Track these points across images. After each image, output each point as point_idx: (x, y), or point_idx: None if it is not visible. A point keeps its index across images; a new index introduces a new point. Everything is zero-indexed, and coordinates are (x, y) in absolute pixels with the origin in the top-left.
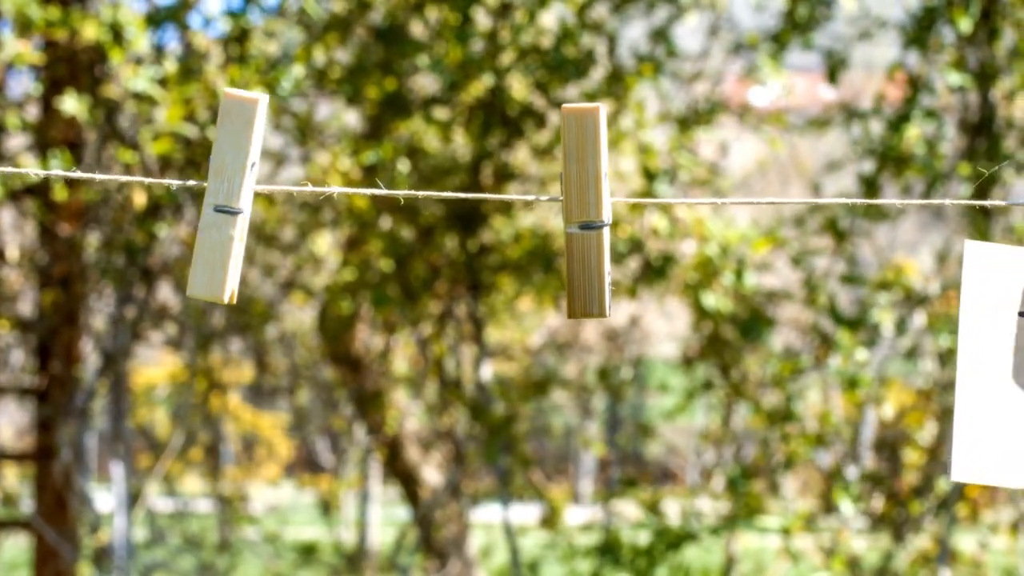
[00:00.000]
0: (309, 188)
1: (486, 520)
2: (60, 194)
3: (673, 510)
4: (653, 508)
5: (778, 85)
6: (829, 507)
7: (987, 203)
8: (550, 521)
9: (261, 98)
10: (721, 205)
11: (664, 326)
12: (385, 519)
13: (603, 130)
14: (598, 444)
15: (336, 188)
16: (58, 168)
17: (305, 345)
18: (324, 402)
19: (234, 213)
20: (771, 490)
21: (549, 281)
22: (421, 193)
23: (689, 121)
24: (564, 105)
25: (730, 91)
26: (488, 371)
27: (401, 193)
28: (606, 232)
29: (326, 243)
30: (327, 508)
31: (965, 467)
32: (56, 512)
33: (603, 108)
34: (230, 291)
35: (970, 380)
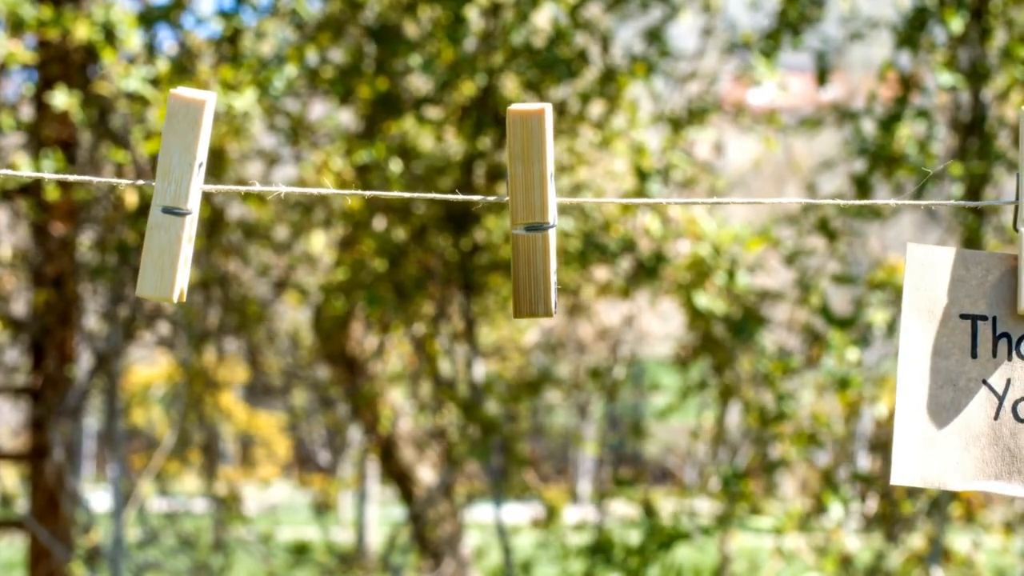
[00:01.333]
0: (257, 188)
1: (485, 520)
2: (52, 194)
3: (667, 510)
4: (647, 508)
5: (773, 85)
6: (821, 507)
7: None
8: (549, 521)
9: (208, 99)
10: (714, 205)
11: (664, 326)
12: (383, 519)
13: (548, 132)
14: (591, 443)
15: (285, 188)
16: (51, 168)
17: (300, 344)
18: (319, 402)
19: (182, 214)
20: (766, 490)
21: None
22: (368, 192)
23: (683, 121)
24: (509, 107)
25: (729, 91)
26: (480, 371)
27: (347, 192)
28: (552, 233)
29: (321, 242)
30: (320, 508)
31: (906, 470)
32: (49, 512)
33: (549, 109)
34: (179, 291)
35: (911, 382)
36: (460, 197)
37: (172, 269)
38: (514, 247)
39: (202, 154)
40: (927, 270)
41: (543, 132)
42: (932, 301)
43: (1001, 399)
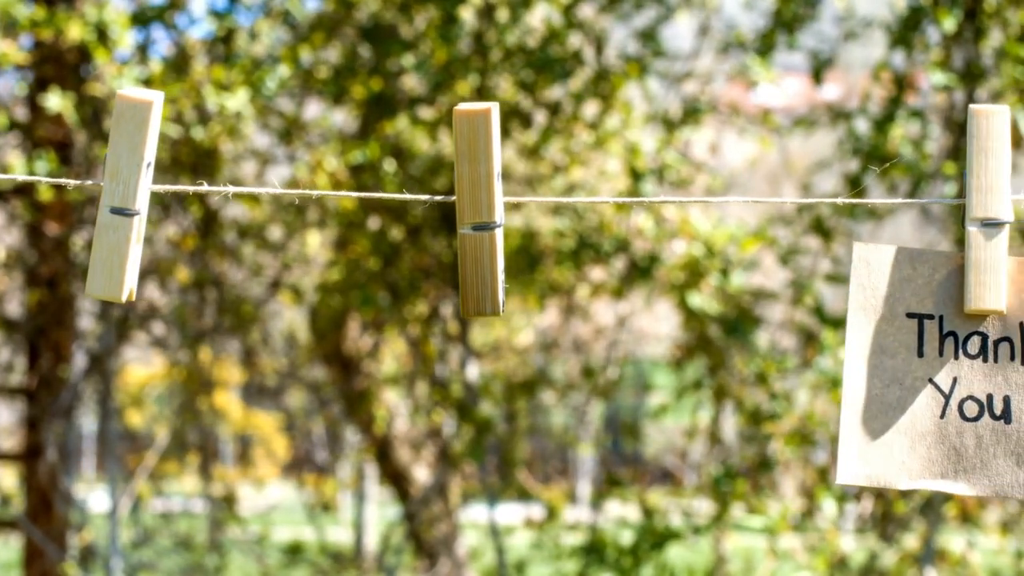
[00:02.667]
0: (204, 188)
1: (482, 520)
2: (46, 195)
3: (664, 510)
4: (645, 508)
5: (770, 85)
6: (814, 507)
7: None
8: (549, 521)
9: (155, 99)
10: (708, 205)
11: (662, 326)
12: (382, 519)
13: (495, 131)
14: (585, 444)
15: (233, 188)
16: (44, 168)
17: (296, 344)
18: (316, 402)
19: (130, 215)
20: (756, 490)
21: (534, 280)
22: (316, 192)
23: (677, 121)
24: (456, 107)
25: (728, 92)
26: (474, 371)
27: (295, 192)
28: (499, 233)
29: (316, 242)
30: (315, 508)
31: (851, 469)
32: (42, 512)
33: (495, 109)
34: (128, 291)
35: (857, 381)
36: (408, 197)
37: (121, 269)
38: (461, 246)
39: (150, 154)
40: (873, 269)
41: (489, 132)
42: (878, 300)
43: (947, 398)
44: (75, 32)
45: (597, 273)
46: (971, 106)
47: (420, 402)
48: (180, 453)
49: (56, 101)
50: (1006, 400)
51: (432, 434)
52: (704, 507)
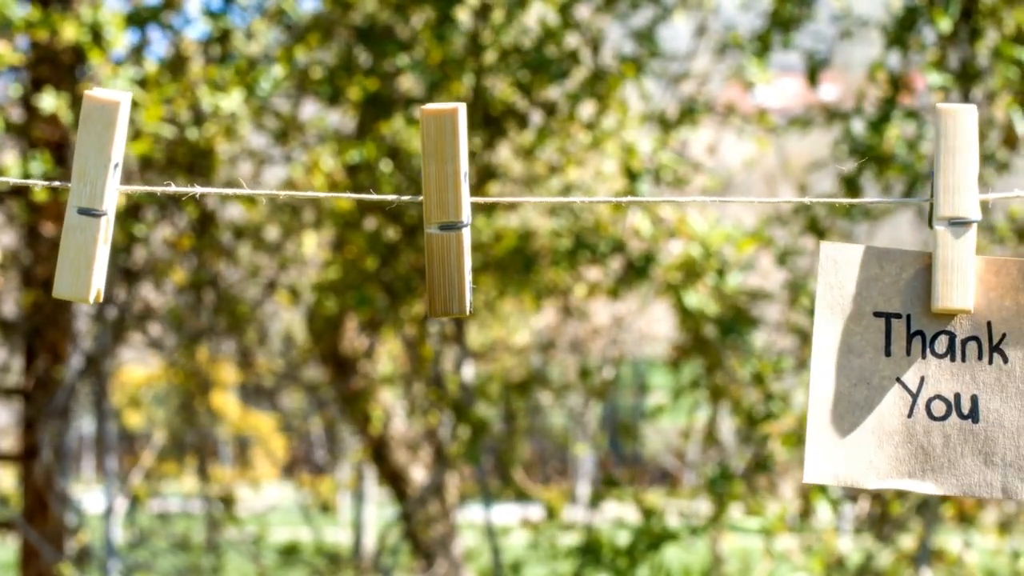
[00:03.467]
0: (172, 189)
1: (481, 521)
2: (40, 195)
3: (660, 510)
4: (644, 509)
5: (767, 85)
6: (808, 508)
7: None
8: (549, 522)
9: (122, 99)
10: (705, 205)
11: (662, 327)
12: (381, 520)
13: (462, 131)
14: (581, 444)
15: (201, 189)
16: (38, 169)
17: (293, 345)
18: (313, 403)
19: (97, 215)
20: (753, 491)
21: (530, 280)
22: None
23: (673, 121)
24: (423, 107)
25: (727, 93)
26: (470, 371)
27: (249, 192)
28: (466, 232)
29: (312, 243)
30: (310, 509)
31: (819, 468)
32: (38, 512)
33: (462, 109)
34: (95, 291)
35: (824, 380)
36: (375, 197)
37: (88, 270)
38: (428, 246)
39: (117, 155)
40: (841, 268)
41: (456, 131)
42: (846, 299)
43: (915, 397)
44: (70, 33)
45: (593, 273)
46: (938, 105)
47: (417, 402)
48: (178, 454)
49: (50, 102)
50: (974, 399)
51: (429, 435)
52: (703, 508)
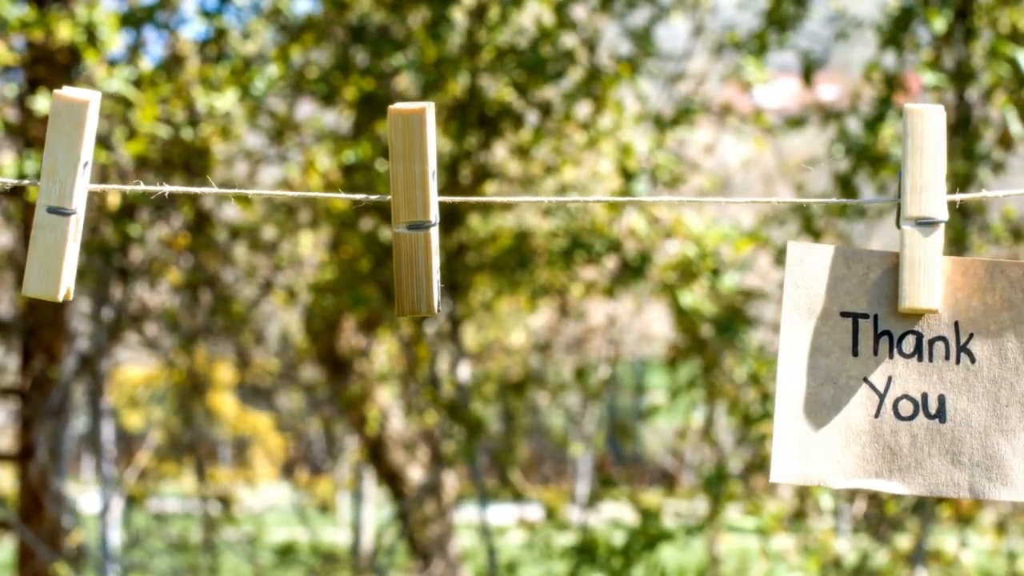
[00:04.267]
0: (141, 188)
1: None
2: (34, 195)
3: (656, 510)
4: (642, 509)
5: (764, 85)
6: (804, 508)
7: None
8: (549, 522)
9: (91, 99)
10: (701, 205)
11: (662, 327)
12: (380, 520)
13: (430, 130)
14: (577, 444)
15: (169, 187)
16: (33, 169)
17: (290, 345)
18: (311, 403)
19: (67, 214)
20: (750, 491)
21: (525, 279)
22: (244, 191)
23: (670, 121)
24: (391, 106)
25: (720, 92)
26: (466, 371)
27: (231, 192)
28: (434, 232)
29: (309, 243)
30: (306, 509)
31: (786, 467)
32: (34, 512)
33: (430, 108)
34: (64, 290)
35: (791, 380)
36: (342, 196)
37: (58, 269)
38: (396, 246)
39: (87, 154)
40: (807, 268)
41: (424, 131)
42: (812, 299)
43: (882, 397)
44: (64, 33)
45: (589, 273)
46: (906, 105)
47: (413, 402)
48: (177, 454)
49: (45, 103)
50: (941, 399)
51: (426, 435)
52: (701, 508)
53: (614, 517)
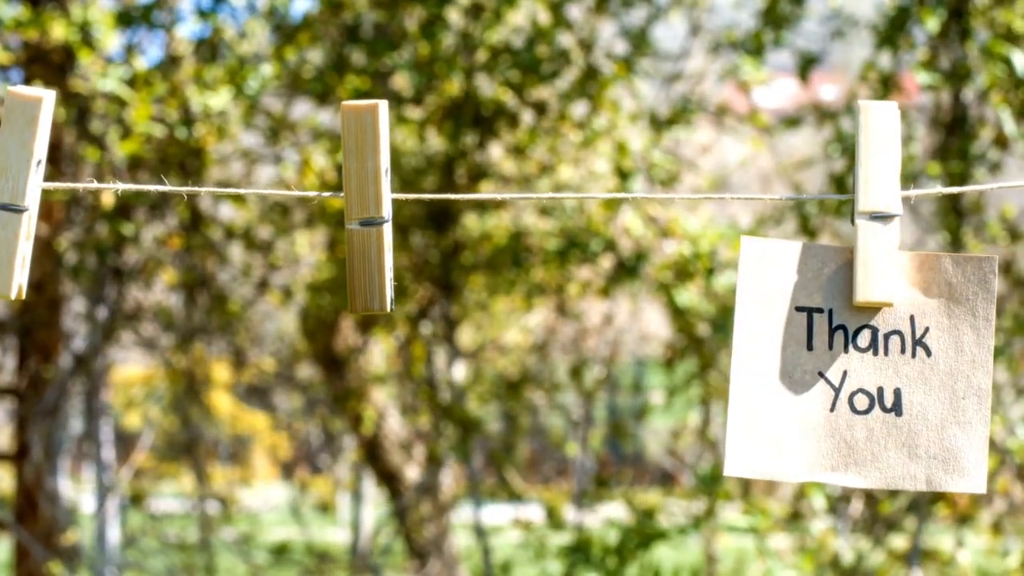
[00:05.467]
0: (95, 186)
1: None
2: None
3: (652, 509)
4: (632, 508)
5: (761, 84)
6: (799, 507)
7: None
8: (549, 522)
9: (46, 96)
10: (697, 205)
11: (662, 327)
12: (379, 520)
13: (383, 127)
14: (572, 444)
15: (119, 185)
16: None
17: (289, 344)
18: (308, 402)
19: (19, 211)
20: (747, 490)
21: (520, 278)
22: (202, 190)
23: (665, 121)
24: (343, 103)
25: (724, 93)
26: (460, 371)
27: (182, 190)
28: (386, 228)
29: (306, 242)
30: (301, 508)
31: (739, 461)
32: (30, 512)
33: (383, 105)
34: (16, 288)
35: (744, 374)
36: (295, 193)
37: (10, 266)
38: (349, 242)
39: (40, 151)
40: (762, 263)
41: (377, 128)
42: (767, 293)
43: (837, 391)
44: (59, 32)
45: (585, 272)
46: (859, 101)
47: (408, 402)
48: (175, 454)
49: None
50: (897, 393)
51: (421, 434)
52: (700, 508)
53: (610, 516)
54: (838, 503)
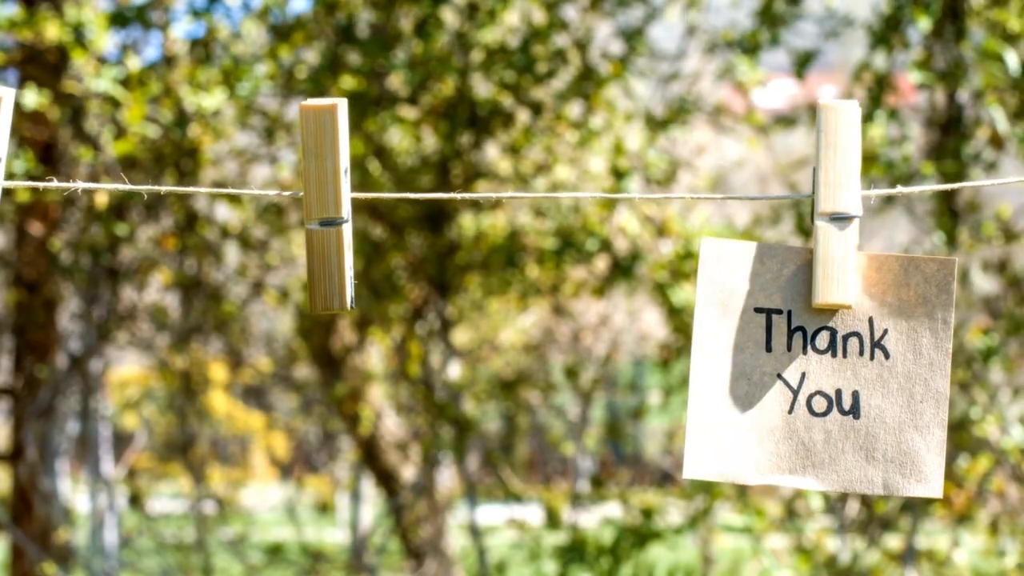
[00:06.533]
0: (55, 184)
1: (477, 521)
2: (22, 195)
3: (647, 509)
4: (628, 509)
5: (758, 84)
6: (794, 507)
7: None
8: (551, 523)
9: (5, 95)
10: (692, 205)
11: (662, 327)
12: (374, 520)
13: (342, 127)
14: (567, 444)
15: (81, 184)
16: (21, 168)
17: (286, 344)
18: (305, 402)
19: None
20: (742, 490)
21: (515, 278)
22: (164, 189)
23: (662, 121)
24: (302, 103)
25: (721, 93)
26: (455, 371)
27: (145, 189)
28: (346, 228)
29: (302, 242)
30: (296, 509)
31: (698, 463)
32: (23, 512)
33: (342, 105)
34: None
35: (704, 376)
36: (256, 192)
37: None
38: (308, 242)
39: (0, 150)
40: (722, 264)
41: (336, 128)
42: (726, 294)
43: (795, 393)
44: (52, 32)
45: (580, 272)
46: (819, 101)
47: (404, 402)
48: (174, 454)
49: (32, 98)
50: (855, 395)
51: (418, 434)
52: (696, 508)
53: (605, 516)
54: (835, 503)
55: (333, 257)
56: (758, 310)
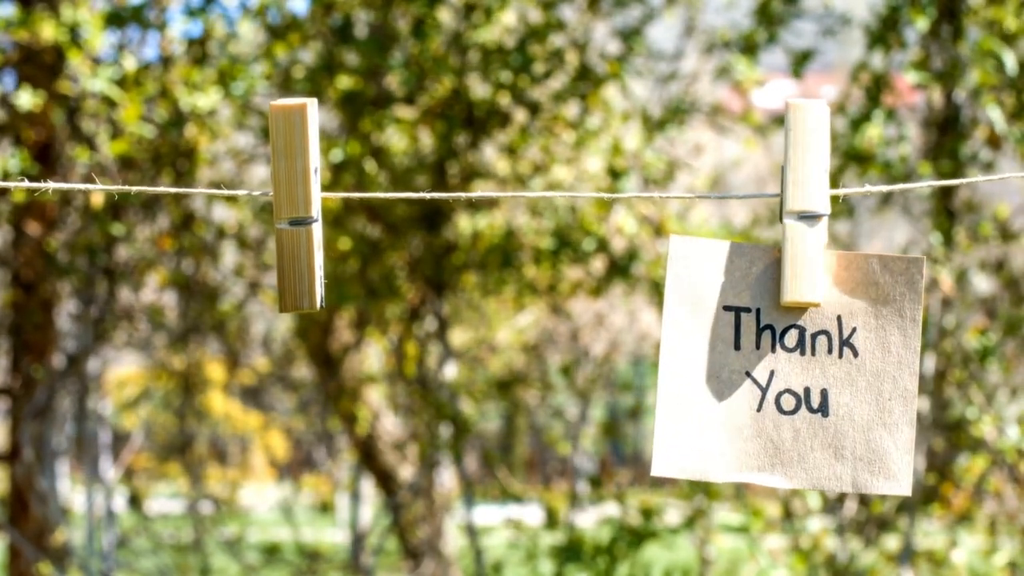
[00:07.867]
0: (26, 184)
1: (478, 522)
2: (18, 195)
3: (646, 509)
4: (624, 509)
5: (755, 84)
6: (788, 508)
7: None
8: (552, 523)
9: None
10: (691, 205)
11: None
12: (372, 520)
13: (312, 127)
14: (564, 443)
15: (60, 184)
16: (16, 168)
17: (284, 344)
18: (301, 401)
19: None
20: (740, 490)
21: (511, 278)
22: (131, 187)
23: (659, 121)
24: (272, 103)
25: (720, 94)
26: (452, 370)
27: (117, 188)
28: (316, 228)
29: None
30: (293, 509)
31: (667, 461)
32: (20, 512)
33: (312, 105)
34: None
35: (672, 373)
36: (223, 192)
37: None
38: (278, 242)
39: None
40: (691, 262)
41: (305, 127)
42: (696, 293)
43: (764, 391)
44: (48, 33)
45: (577, 272)
46: (787, 100)
47: (401, 402)
48: (170, 454)
49: (27, 99)
50: (823, 393)
51: (415, 434)
52: (694, 507)
53: (604, 516)
54: (833, 503)
55: (303, 256)
56: (727, 308)
